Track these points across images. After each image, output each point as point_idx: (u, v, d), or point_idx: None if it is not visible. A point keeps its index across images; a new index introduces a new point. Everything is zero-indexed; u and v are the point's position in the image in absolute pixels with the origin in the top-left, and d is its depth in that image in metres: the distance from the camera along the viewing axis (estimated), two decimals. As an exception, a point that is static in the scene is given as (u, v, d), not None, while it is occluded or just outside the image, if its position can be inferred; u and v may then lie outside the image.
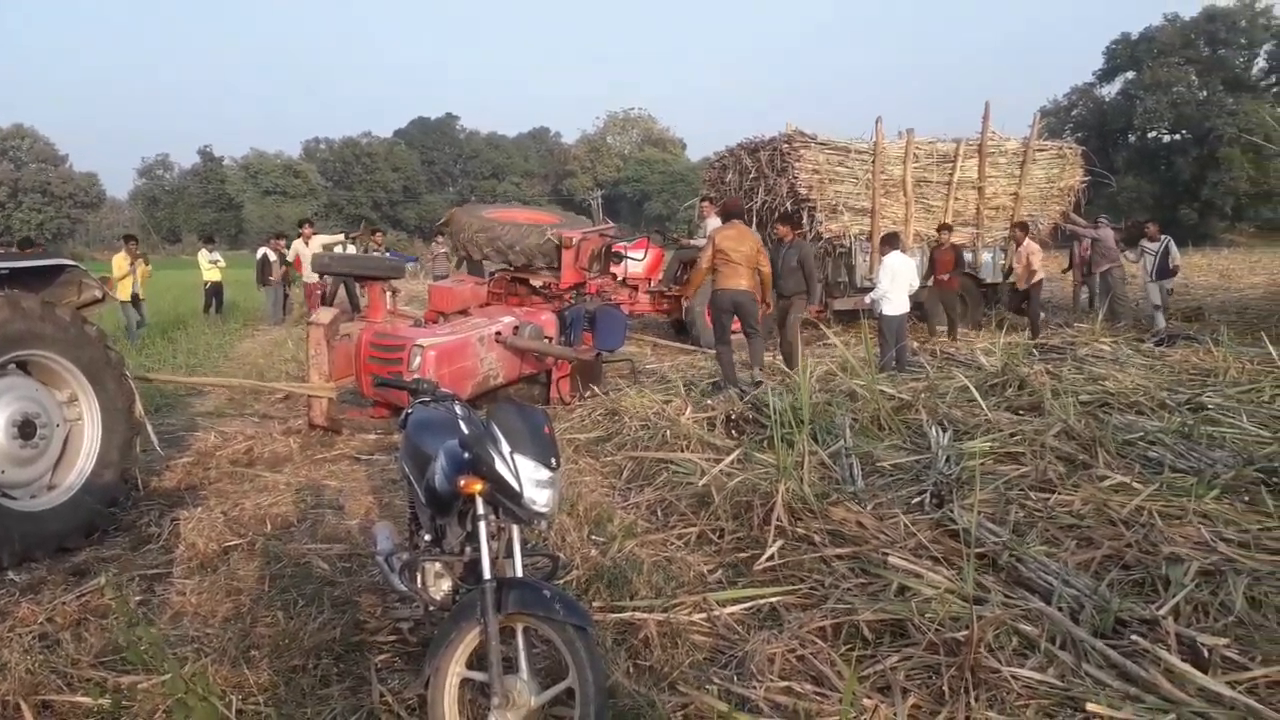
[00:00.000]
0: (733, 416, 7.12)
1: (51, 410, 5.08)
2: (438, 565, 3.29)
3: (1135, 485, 5.06)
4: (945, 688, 3.14)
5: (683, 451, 6.27)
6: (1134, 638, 3.39)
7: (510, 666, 2.78)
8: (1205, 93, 55.41)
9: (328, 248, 15.84)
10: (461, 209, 10.56)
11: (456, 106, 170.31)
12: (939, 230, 13.40)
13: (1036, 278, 12.78)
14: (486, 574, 2.79)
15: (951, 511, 4.79)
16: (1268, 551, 4.16)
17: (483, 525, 2.87)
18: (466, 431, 2.98)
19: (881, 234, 12.48)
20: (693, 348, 12.96)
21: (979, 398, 6.98)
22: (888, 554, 4.25)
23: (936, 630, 3.44)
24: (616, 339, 8.97)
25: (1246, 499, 4.84)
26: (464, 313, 8.73)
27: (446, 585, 3.29)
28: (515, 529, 2.95)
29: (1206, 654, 3.26)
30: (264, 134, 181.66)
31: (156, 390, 8.72)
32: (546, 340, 8.49)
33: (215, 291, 18.65)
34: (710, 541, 4.85)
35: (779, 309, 9.71)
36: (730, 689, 3.22)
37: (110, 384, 5.37)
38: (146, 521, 5.46)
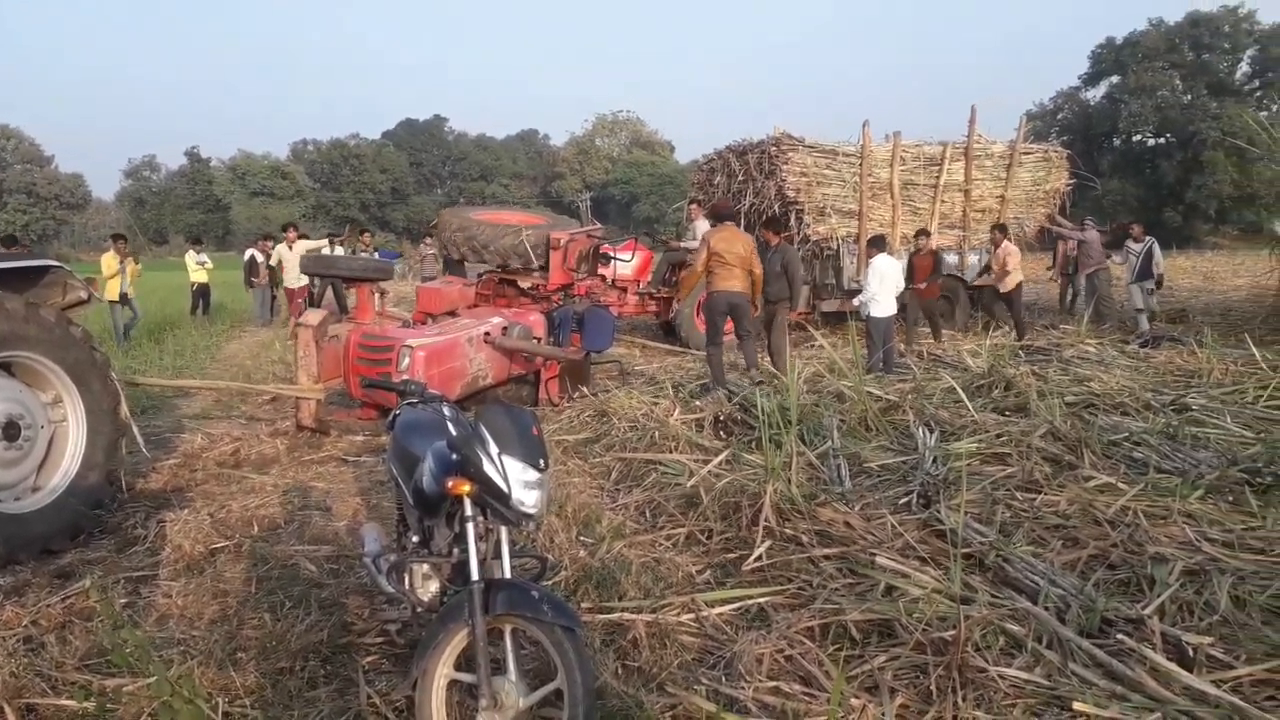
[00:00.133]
0: (721, 418, 7.13)
1: (36, 412, 5.05)
2: (425, 567, 3.29)
3: (1120, 485, 5.09)
4: (933, 687, 3.16)
5: (671, 453, 6.28)
6: (1120, 637, 3.41)
7: (498, 668, 2.78)
8: (1189, 97, 55.82)
9: (311, 253, 15.78)
10: (450, 210, 10.56)
11: (445, 108, 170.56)
12: (917, 236, 13.26)
13: (1014, 280, 12.80)
14: (474, 575, 2.78)
15: (938, 512, 4.81)
16: (1251, 551, 4.19)
17: (471, 526, 2.86)
18: (454, 433, 2.97)
19: (868, 237, 12.51)
20: (681, 349, 12.97)
21: (965, 399, 7.01)
22: (875, 554, 4.26)
23: (924, 630, 3.45)
24: (605, 340, 8.97)
25: (1230, 499, 4.88)
26: (452, 314, 8.72)
27: (434, 587, 3.29)
28: (503, 530, 2.94)
29: (1191, 653, 3.28)
30: (251, 135, 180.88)
31: (142, 391, 8.67)
32: (535, 341, 8.48)
33: (202, 293, 18.57)
34: (699, 542, 4.85)
35: (765, 313, 9.73)
36: (719, 689, 3.23)
37: (95, 385, 5.33)
38: (132, 524, 5.43)
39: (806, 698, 3.14)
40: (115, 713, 3.17)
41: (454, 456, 2.92)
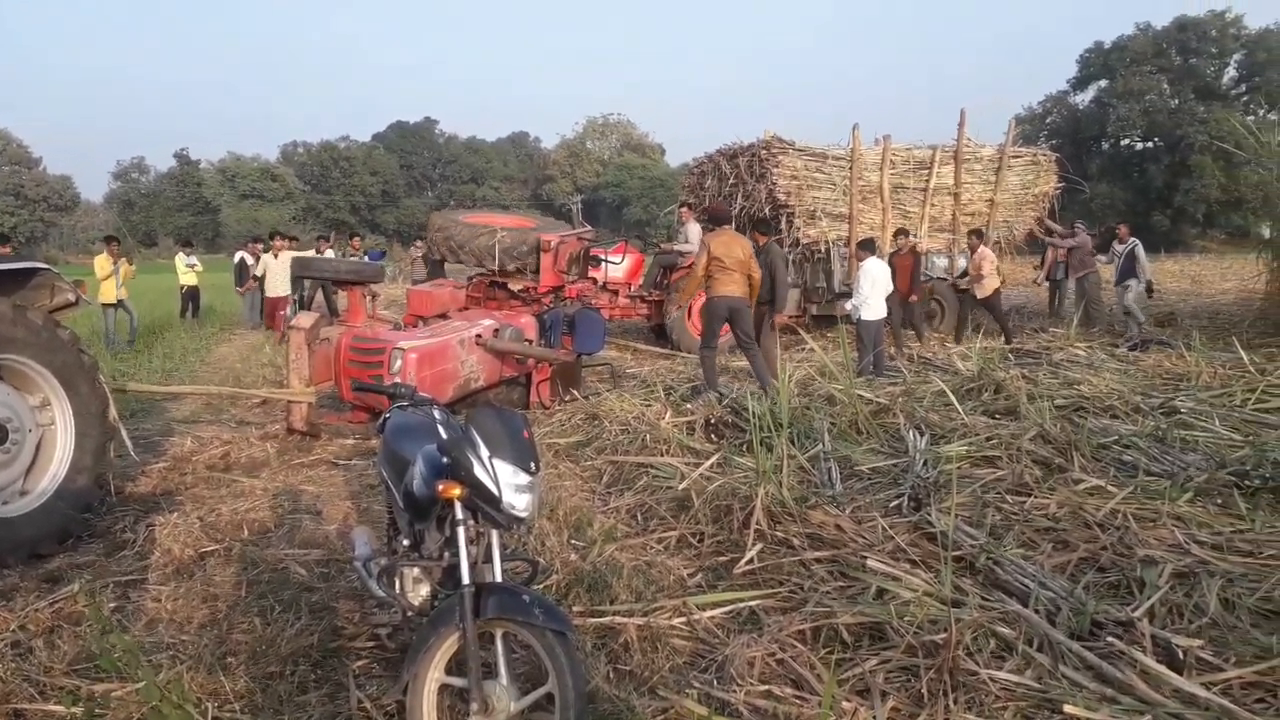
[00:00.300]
0: (712, 421, 7.13)
1: (24, 415, 5.01)
2: (416, 570, 3.28)
3: (1110, 488, 5.11)
4: (924, 690, 3.16)
5: (663, 456, 6.28)
6: (1110, 639, 3.42)
7: (489, 672, 2.77)
8: (1177, 101, 56.17)
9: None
10: (439, 213, 10.57)
11: (435, 111, 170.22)
12: (895, 235, 13.09)
13: (991, 285, 12.82)
14: (465, 579, 2.78)
15: (929, 515, 4.82)
16: (1240, 553, 4.21)
17: (461, 530, 2.85)
18: (445, 436, 2.97)
19: (858, 240, 12.53)
20: (672, 352, 12.98)
21: (956, 402, 7.03)
22: (866, 557, 4.27)
23: (915, 633, 3.46)
24: (595, 342, 8.97)
25: (1219, 502, 4.90)
26: (443, 316, 8.71)
27: (425, 590, 3.28)
28: (494, 534, 2.93)
29: (1181, 655, 3.29)
30: (241, 137, 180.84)
31: (131, 395, 8.63)
32: (527, 343, 8.48)
33: (192, 296, 18.48)
34: (690, 545, 4.85)
35: (755, 314, 9.71)
36: (710, 693, 3.23)
37: (84, 388, 5.30)
38: (121, 527, 5.40)
39: (798, 701, 3.14)
40: (104, 718, 3.16)
41: (444, 460, 2.92)
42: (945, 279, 14.98)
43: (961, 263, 15.11)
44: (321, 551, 4.97)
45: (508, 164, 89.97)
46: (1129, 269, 13.56)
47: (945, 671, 3.18)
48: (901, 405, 7.09)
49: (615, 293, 14.05)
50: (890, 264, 12.37)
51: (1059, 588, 3.92)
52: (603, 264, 13.42)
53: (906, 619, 3.57)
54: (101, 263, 14.10)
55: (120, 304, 14.16)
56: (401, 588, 3.28)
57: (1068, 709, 2.98)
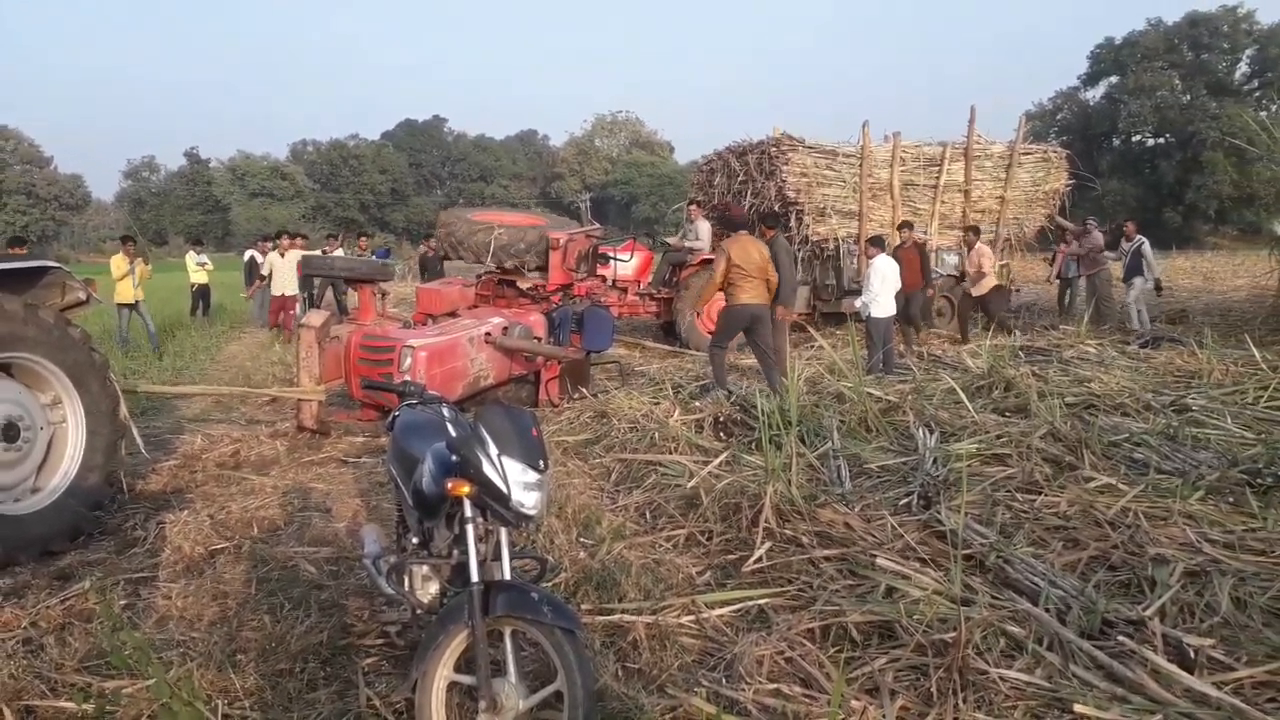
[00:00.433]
0: (721, 419, 7.12)
1: (35, 413, 5.04)
2: (425, 568, 3.28)
3: (1121, 486, 5.08)
4: (933, 689, 3.15)
5: (671, 454, 6.27)
6: (1120, 638, 3.40)
7: (498, 670, 2.77)
8: (1188, 97, 55.88)
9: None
10: (448, 210, 10.60)
11: (444, 109, 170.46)
12: (899, 228, 12.77)
13: (989, 284, 12.73)
14: (474, 577, 2.78)
15: (939, 513, 4.80)
16: (1252, 552, 4.18)
17: (470, 528, 2.86)
18: (454, 434, 2.97)
19: (868, 237, 12.49)
20: (681, 350, 12.97)
21: (965, 400, 7.01)
22: (875, 555, 4.26)
23: (924, 631, 3.45)
24: (604, 340, 8.97)
25: (1231, 500, 4.87)
26: (452, 314, 8.72)
27: (434, 588, 3.28)
28: (503, 531, 2.93)
29: (1193, 655, 3.27)
30: (251, 136, 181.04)
31: (142, 393, 8.66)
32: (536, 341, 8.48)
33: (202, 294, 18.54)
34: (699, 543, 4.85)
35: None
36: (719, 691, 3.22)
37: (94, 386, 5.33)
38: (132, 525, 5.42)
39: (807, 699, 3.13)
40: (114, 715, 3.17)
41: (453, 458, 2.92)
42: (955, 275, 14.92)
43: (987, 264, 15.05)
44: (331, 549, 4.99)
45: (516, 162, 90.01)
46: (1135, 266, 13.49)
47: (955, 670, 3.17)
48: (911, 403, 7.07)
49: (624, 290, 14.05)
50: (895, 258, 12.31)
51: (1069, 586, 3.90)
52: (611, 262, 13.41)
53: (916, 617, 3.56)
54: (118, 262, 14.04)
55: (135, 307, 14.10)
56: (410, 585, 3.29)
57: (1078, 708, 2.97)
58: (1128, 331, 12.60)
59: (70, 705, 3.23)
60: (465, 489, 2.80)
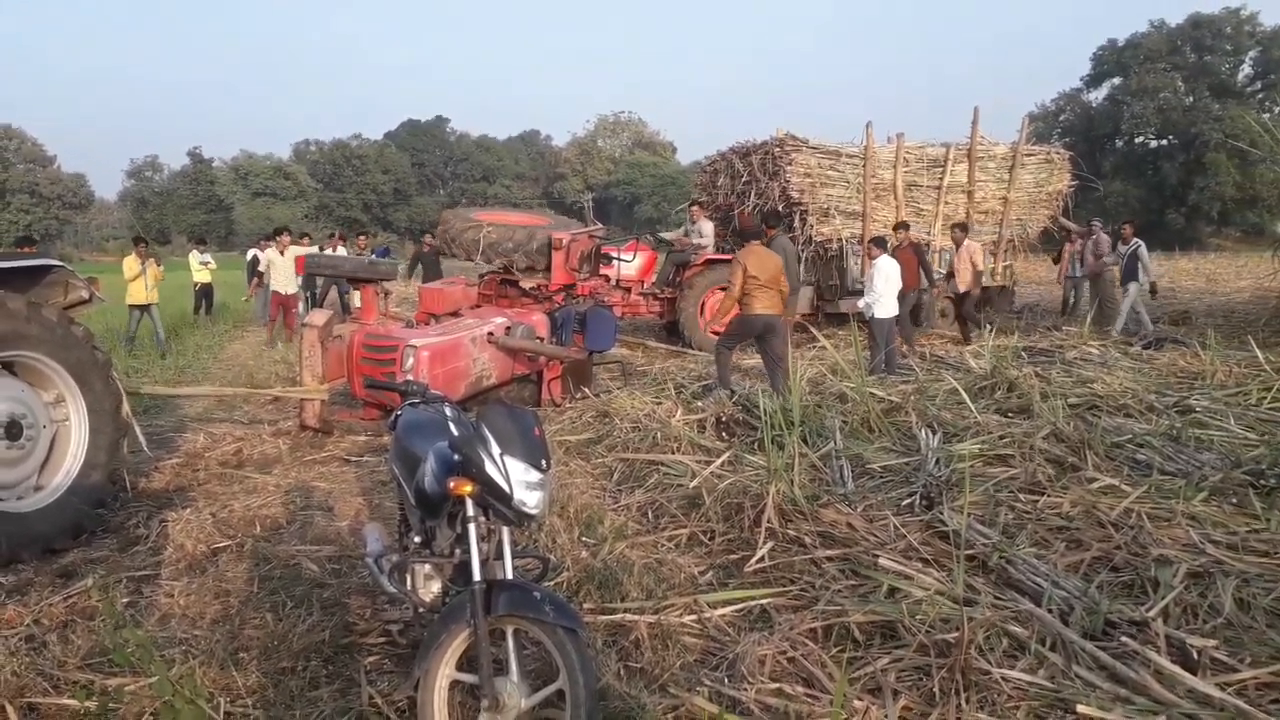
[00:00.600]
0: (723, 419, 7.12)
1: (38, 411, 5.05)
2: (427, 567, 3.28)
3: (1124, 487, 5.07)
4: (936, 689, 3.15)
5: (673, 453, 6.27)
6: (1123, 639, 3.40)
7: (500, 669, 2.78)
8: (1191, 98, 55.81)
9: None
10: (451, 210, 10.63)
11: (447, 109, 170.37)
12: (895, 229, 12.56)
13: (968, 277, 12.68)
14: (476, 576, 2.78)
15: (941, 513, 4.80)
16: (1256, 553, 4.18)
17: (472, 527, 2.86)
18: (456, 433, 2.98)
19: (871, 237, 12.46)
20: (684, 350, 12.97)
21: (968, 400, 6.99)
22: (878, 556, 4.26)
23: (927, 632, 3.44)
24: (607, 340, 8.97)
25: (1234, 501, 4.86)
26: (455, 314, 8.73)
27: (436, 587, 3.28)
28: (505, 531, 2.93)
29: (1196, 656, 3.27)
30: (254, 136, 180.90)
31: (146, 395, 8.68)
32: (538, 341, 8.49)
33: (205, 293, 18.53)
34: (701, 543, 4.85)
35: None
36: (721, 691, 3.22)
37: (97, 385, 5.34)
38: (134, 523, 5.43)
39: (809, 699, 3.13)
40: (117, 712, 3.17)
41: (456, 457, 2.92)
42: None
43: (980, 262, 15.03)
44: (333, 548, 4.99)
45: (519, 162, 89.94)
46: (1131, 270, 13.45)
47: (957, 671, 3.16)
48: (914, 403, 7.06)
49: (628, 290, 14.05)
50: (892, 258, 12.27)
51: (1072, 587, 3.90)
52: (615, 262, 13.42)
53: (918, 618, 3.55)
54: (129, 264, 13.99)
55: (147, 310, 14.01)
56: (413, 584, 3.29)
57: (1081, 709, 2.97)
58: (1131, 333, 12.56)
59: (73, 703, 3.24)
60: (467, 488, 2.80)
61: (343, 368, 7.65)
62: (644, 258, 14.28)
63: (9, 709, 3.18)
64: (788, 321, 9.47)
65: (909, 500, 5.14)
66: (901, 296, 11.24)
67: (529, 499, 2.78)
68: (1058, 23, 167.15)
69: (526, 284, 9.65)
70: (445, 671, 2.80)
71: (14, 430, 4.86)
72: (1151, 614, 3.58)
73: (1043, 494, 5.10)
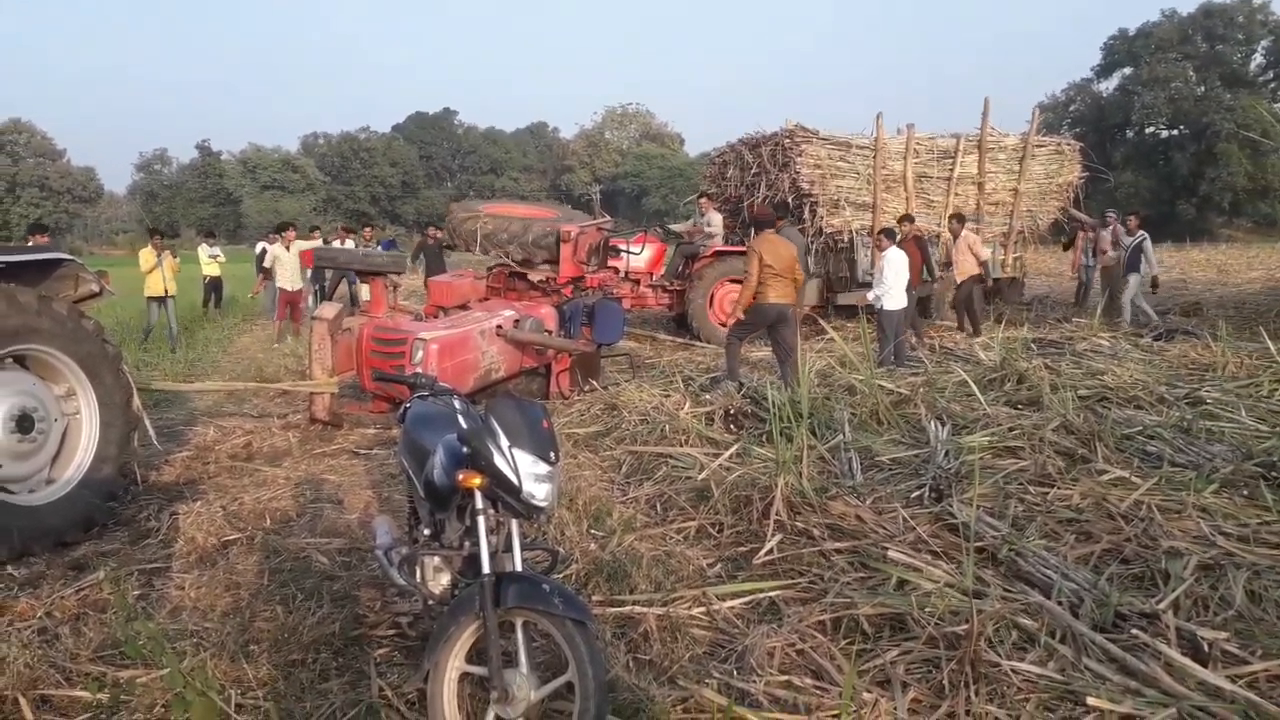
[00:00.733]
0: (732, 411, 7.11)
1: (49, 404, 5.07)
2: (437, 559, 3.29)
3: (1134, 479, 5.06)
4: (945, 681, 3.14)
5: (682, 446, 6.27)
6: (1134, 632, 3.39)
7: (510, 661, 2.78)
8: (1203, 88, 55.47)
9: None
10: (459, 203, 10.63)
11: (454, 101, 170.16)
12: (899, 222, 12.28)
13: (969, 269, 12.61)
14: (486, 568, 2.78)
15: (951, 506, 4.79)
16: (1267, 546, 4.16)
17: (481, 520, 2.86)
18: (465, 426, 2.97)
19: (880, 228, 12.43)
20: (692, 342, 12.96)
21: (978, 392, 6.98)
22: (887, 548, 4.25)
23: (936, 624, 3.44)
24: (615, 333, 8.97)
25: (1245, 493, 4.84)
26: (463, 307, 8.73)
27: (445, 579, 3.29)
28: (514, 523, 2.94)
29: (1206, 648, 3.26)
30: (262, 129, 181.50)
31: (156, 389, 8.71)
32: (547, 334, 8.49)
33: (214, 286, 18.57)
34: (709, 535, 4.85)
35: None
36: (730, 683, 3.22)
37: (108, 378, 5.36)
38: (145, 516, 5.45)
39: (818, 691, 3.14)
40: (129, 704, 3.19)
41: (465, 449, 2.92)
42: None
43: (985, 253, 14.94)
44: (343, 540, 5.01)
45: (526, 154, 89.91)
46: (1134, 262, 13.37)
47: (967, 663, 3.16)
48: (923, 395, 7.05)
49: (636, 282, 14.04)
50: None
51: (1082, 579, 3.89)
52: (623, 254, 13.40)
53: (928, 610, 3.55)
54: (146, 256, 13.96)
55: (164, 302, 13.97)
56: (422, 576, 3.29)
57: (1091, 701, 2.96)
58: (1141, 324, 12.51)
59: (85, 694, 3.26)
60: (476, 481, 2.81)
61: (352, 361, 7.66)
62: (652, 250, 14.27)
63: (22, 701, 3.20)
64: (797, 314, 9.45)
65: (918, 492, 5.13)
66: (907, 289, 11.21)
67: (538, 491, 2.78)
68: (1068, 12, 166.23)
69: (535, 277, 9.63)
70: (455, 664, 2.81)
71: (25, 424, 4.87)
72: (1162, 606, 3.57)
73: (1053, 486, 5.09)
